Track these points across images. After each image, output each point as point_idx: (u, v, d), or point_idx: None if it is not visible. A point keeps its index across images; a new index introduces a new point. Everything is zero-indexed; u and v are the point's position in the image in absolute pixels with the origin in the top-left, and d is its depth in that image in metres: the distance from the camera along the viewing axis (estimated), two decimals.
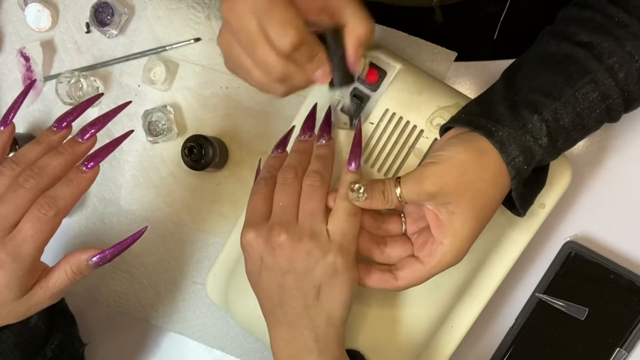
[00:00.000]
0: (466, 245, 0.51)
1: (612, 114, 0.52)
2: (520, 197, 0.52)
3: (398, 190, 0.50)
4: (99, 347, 0.75)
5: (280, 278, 0.51)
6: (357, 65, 0.51)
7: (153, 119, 0.72)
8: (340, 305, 0.52)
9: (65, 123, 0.53)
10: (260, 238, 0.52)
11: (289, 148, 0.60)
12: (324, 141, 0.57)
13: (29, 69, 0.76)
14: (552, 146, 0.51)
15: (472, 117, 0.52)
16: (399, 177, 0.51)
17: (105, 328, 0.75)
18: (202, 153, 0.68)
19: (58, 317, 0.60)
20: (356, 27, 0.49)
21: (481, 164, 0.50)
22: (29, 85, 0.55)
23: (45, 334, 0.57)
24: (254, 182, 0.57)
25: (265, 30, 0.46)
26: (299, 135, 0.59)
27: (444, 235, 0.50)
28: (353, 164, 0.54)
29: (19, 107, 0.53)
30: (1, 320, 0.51)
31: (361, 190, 0.51)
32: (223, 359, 0.74)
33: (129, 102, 0.56)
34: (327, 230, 0.52)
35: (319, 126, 0.58)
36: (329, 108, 0.59)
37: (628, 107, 0.52)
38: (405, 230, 0.55)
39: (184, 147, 0.68)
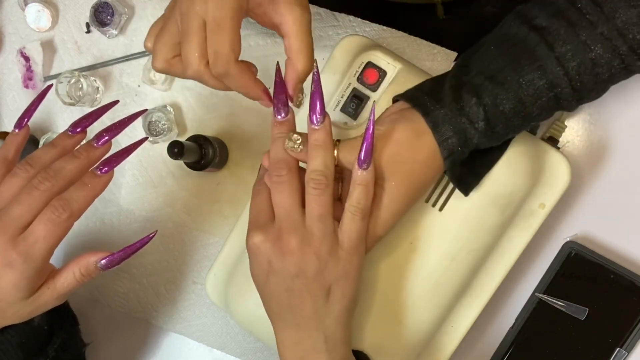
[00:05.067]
0: (393, 219, 0.52)
1: (562, 103, 0.51)
2: (456, 177, 0.53)
3: (335, 152, 0.51)
4: (99, 347, 0.75)
5: (289, 282, 0.51)
6: (294, 99, 0.53)
7: (153, 119, 0.72)
8: (350, 305, 0.52)
9: (80, 128, 0.53)
10: (267, 242, 0.51)
11: None
12: (317, 121, 0.51)
13: (29, 69, 0.76)
14: (491, 131, 0.51)
15: (417, 93, 0.53)
16: (339, 140, 0.52)
17: (105, 328, 0.75)
18: (201, 152, 0.68)
19: (60, 317, 0.60)
20: (298, 62, 0.51)
21: (415, 146, 0.51)
22: (46, 89, 0.55)
23: (48, 333, 0.57)
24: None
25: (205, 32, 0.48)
26: (274, 114, 0.52)
27: (372, 208, 0.51)
28: (365, 164, 0.50)
29: (34, 110, 0.54)
30: (6, 320, 0.51)
31: (299, 141, 0.51)
32: (223, 359, 0.74)
33: (145, 110, 0.56)
34: (337, 234, 0.51)
35: (309, 100, 0.51)
36: (316, 72, 0.51)
37: (582, 97, 0.51)
38: (341, 195, 0.55)
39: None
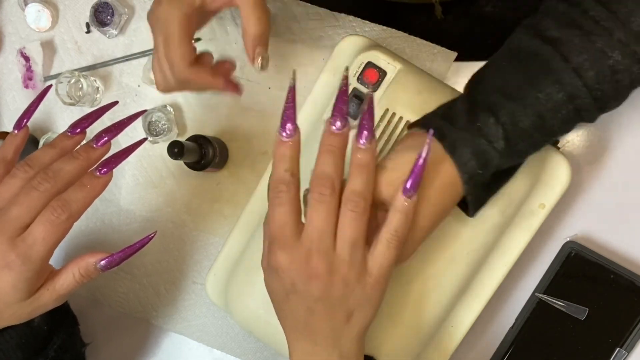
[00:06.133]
0: (413, 248, 0.51)
1: (583, 114, 0.50)
2: (475, 200, 0.51)
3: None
4: (99, 347, 0.75)
5: (311, 304, 0.48)
6: (255, 62, 0.56)
7: (153, 119, 0.72)
8: (368, 324, 0.51)
9: (79, 129, 0.53)
10: (294, 264, 0.47)
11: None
12: (365, 141, 0.48)
13: (29, 69, 0.76)
14: (512, 149, 0.49)
15: (432, 118, 0.51)
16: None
17: (105, 328, 0.75)
18: (201, 152, 0.68)
19: (60, 317, 0.60)
20: (249, 27, 0.55)
21: (433, 173, 0.49)
22: (45, 90, 0.55)
23: (48, 334, 0.57)
24: (272, 172, 0.49)
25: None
26: (331, 122, 0.48)
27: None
28: (410, 192, 0.47)
29: (33, 111, 0.54)
30: (5, 321, 0.51)
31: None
32: (223, 359, 0.74)
33: (144, 111, 0.56)
34: (367, 260, 0.48)
35: (360, 118, 0.48)
36: (371, 93, 0.48)
37: (604, 106, 0.50)
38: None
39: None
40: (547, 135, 0.51)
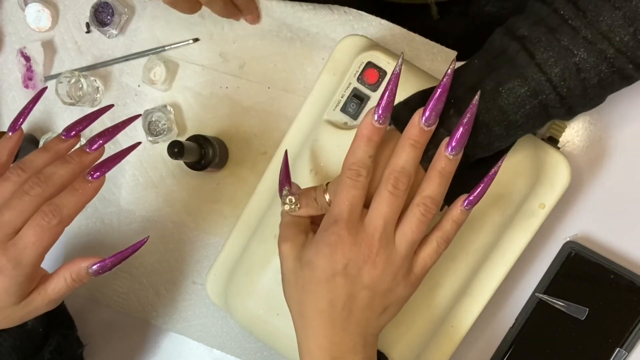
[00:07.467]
0: None
1: (551, 111, 0.50)
2: None
3: (327, 196, 0.51)
4: (98, 348, 0.75)
5: (356, 290, 0.49)
6: None
7: (153, 119, 0.72)
8: (391, 319, 0.52)
9: (74, 132, 0.53)
10: (356, 246, 0.48)
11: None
12: (454, 152, 0.49)
13: (29, 69, 0.76)
14: (472, 141, 0.50)
15: (402, 110, 0.52)
16: (328, 183, 0.51)
17: (105, 329, 0.75)
18: (201, 152, 0.68)
19: (56, 319, 0.60)
20: None
21: None
22: (41, 92, 0.55)
23: (43, 336, 0.57)
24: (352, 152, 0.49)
25: None
26: (422, 117, 0.49)
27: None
28: (470, 206, 0.50)
29: (28, 113, 0.54)
30: None
31: (294, 201, 0.51)
32: (223, 359, 0.74)
33: (139, 116, 0.56)
34: (413, 259, 0.50)
35: (456, 128, 0.48)
36: (475, 103, 0.48)
37: (574, 104, 0.50)
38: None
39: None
40: (511, 129, 0.51)
